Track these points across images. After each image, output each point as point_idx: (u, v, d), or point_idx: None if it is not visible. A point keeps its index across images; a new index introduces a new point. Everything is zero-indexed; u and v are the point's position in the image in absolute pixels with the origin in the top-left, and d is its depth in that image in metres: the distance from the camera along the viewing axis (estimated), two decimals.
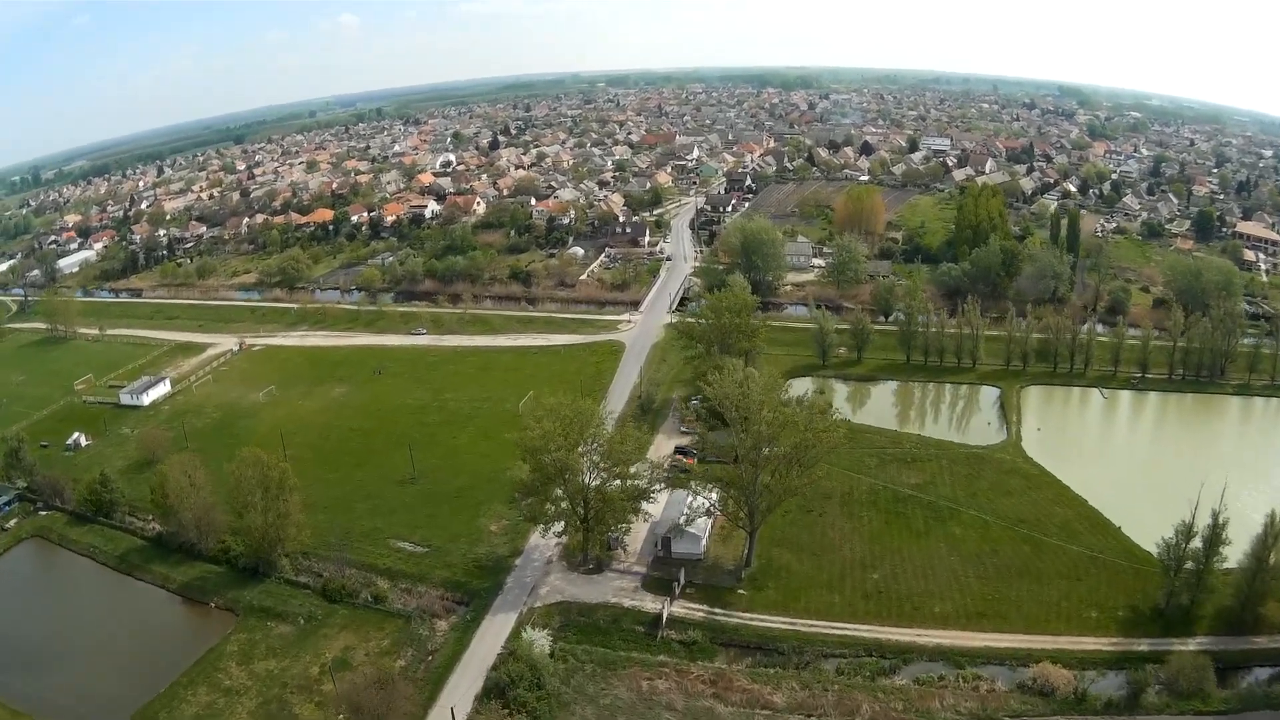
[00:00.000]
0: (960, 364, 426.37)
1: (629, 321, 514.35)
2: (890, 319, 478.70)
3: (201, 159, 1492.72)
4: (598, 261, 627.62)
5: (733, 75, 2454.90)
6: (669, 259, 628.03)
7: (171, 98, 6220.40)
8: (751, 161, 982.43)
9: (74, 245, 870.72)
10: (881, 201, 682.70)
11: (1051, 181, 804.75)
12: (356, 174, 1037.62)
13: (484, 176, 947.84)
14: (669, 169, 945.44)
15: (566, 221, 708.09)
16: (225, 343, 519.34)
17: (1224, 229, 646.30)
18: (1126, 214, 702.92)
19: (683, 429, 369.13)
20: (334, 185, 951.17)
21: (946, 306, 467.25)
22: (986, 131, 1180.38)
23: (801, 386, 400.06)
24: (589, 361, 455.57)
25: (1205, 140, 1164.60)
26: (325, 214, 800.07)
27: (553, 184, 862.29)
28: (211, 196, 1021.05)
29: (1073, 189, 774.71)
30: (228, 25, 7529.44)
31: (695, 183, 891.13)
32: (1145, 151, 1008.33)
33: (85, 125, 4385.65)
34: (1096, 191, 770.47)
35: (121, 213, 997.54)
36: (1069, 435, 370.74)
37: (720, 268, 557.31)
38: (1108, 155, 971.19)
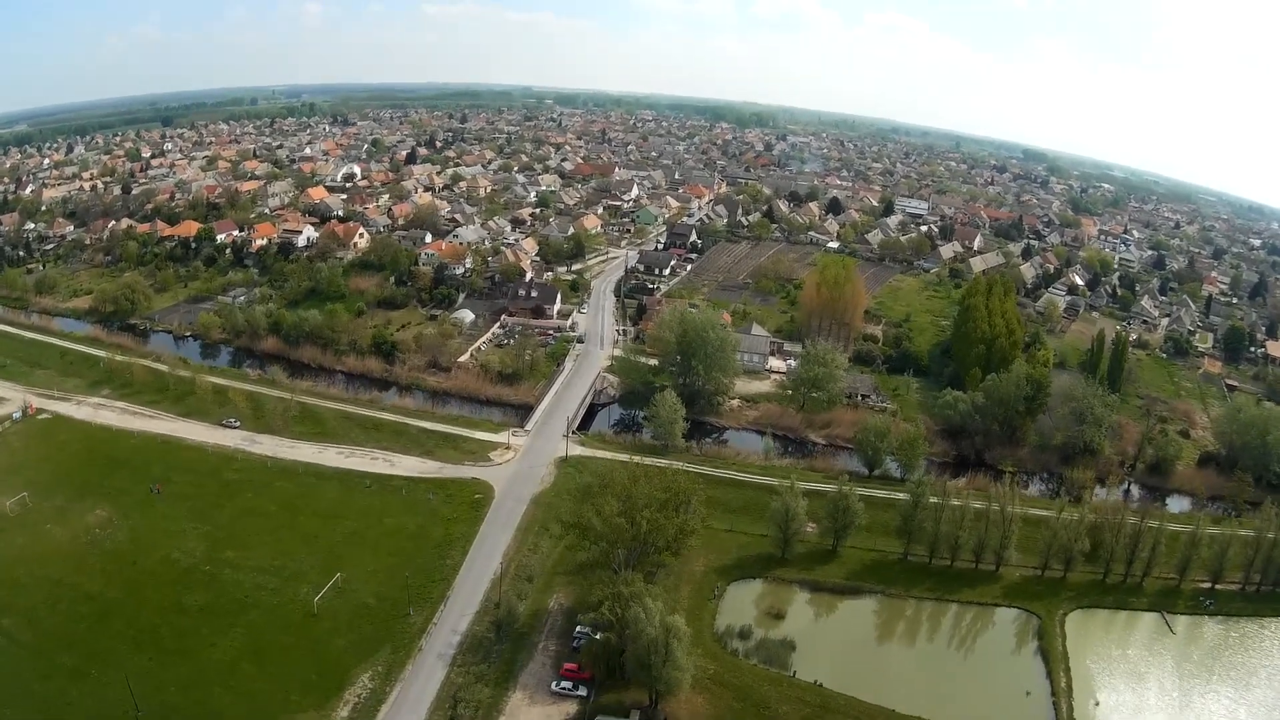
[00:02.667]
0: (978, 564, 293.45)
1: (508, 448, 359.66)
2: (875, 472, 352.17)
3: (118, 140, 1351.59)
4: (488, 334, 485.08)
5: (685, 106, 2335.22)
6: (581, 339, 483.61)
7: (130, 68, 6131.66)
8: (699, 209, 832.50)
9: None
10: (862, 285, 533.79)
11: (1053, 270, 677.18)
12: (248, 177, 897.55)
13: (384, 198, 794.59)
14: (601, 209, 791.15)
15: (460, 272, 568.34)
16: (11, 400, 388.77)
17: (1253, 348, 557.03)
18: (1145, 321, 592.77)
19: (558, 686, 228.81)
20: (217, 191, 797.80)
21: (950, 453, 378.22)
22: (962, 195, 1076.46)
23: (746, 596, 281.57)
24: (438, 516, 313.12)
25: (1187, 221, 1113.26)
26: (190, 228, 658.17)
27: (458, 216, 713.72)
28: (94, 188, 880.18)
29: (1079, 282, 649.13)
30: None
31: (630, 231, 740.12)
32: (1137, 234, 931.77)
33: (43, 88, 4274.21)
34: (1108, 289, 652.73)
35: (1, 195, 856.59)
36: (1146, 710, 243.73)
37: (646, 365, 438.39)
38: (1103, 239, 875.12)
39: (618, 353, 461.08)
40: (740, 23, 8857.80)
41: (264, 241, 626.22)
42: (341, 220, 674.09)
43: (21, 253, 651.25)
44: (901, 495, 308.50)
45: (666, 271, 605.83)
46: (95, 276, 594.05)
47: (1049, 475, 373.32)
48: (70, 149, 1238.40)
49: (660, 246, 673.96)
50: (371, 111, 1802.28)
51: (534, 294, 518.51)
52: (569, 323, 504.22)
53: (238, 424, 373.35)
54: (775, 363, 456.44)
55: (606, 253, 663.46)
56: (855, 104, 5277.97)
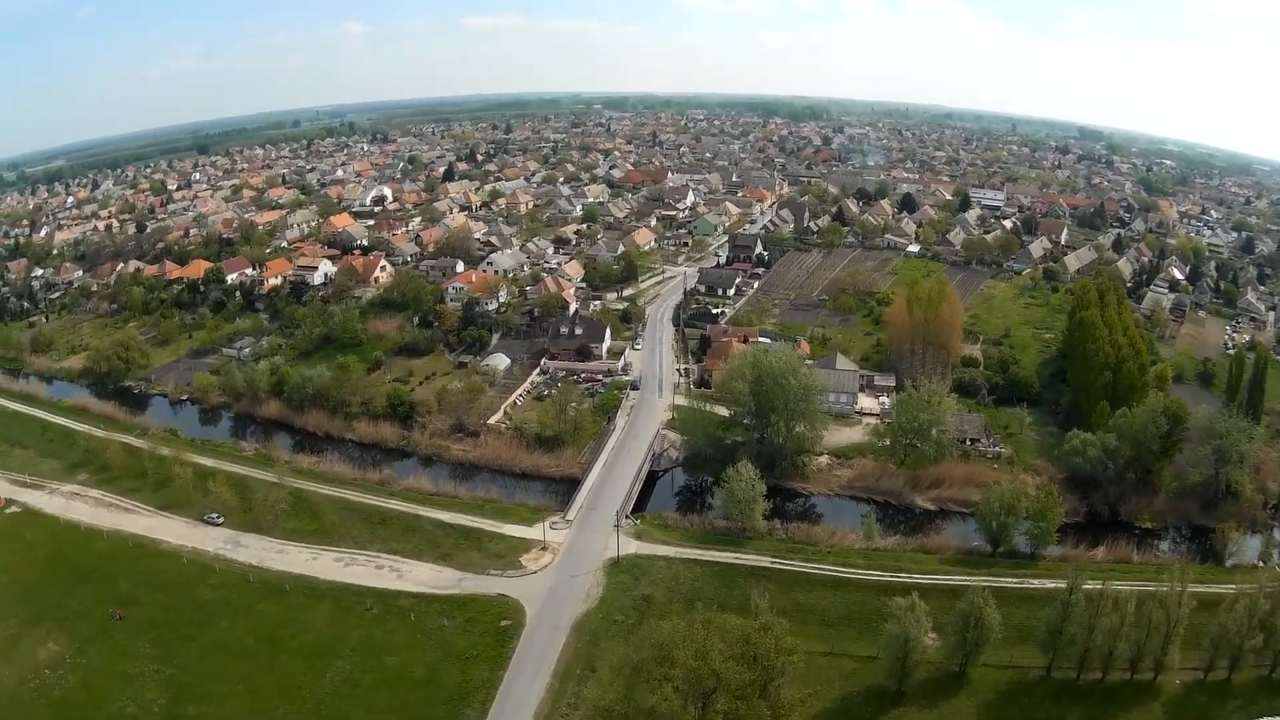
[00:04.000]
0: (1134, 675, 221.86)
1: (544, 547, 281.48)
2: (1000, 549, 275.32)
3: (148, 172, 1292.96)
4: (525, 385, 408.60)
5: (736, 103, 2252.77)
6: (635, 385, 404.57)
7: (173, 97, 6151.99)
8: (762, 214, 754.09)
9: None
10: (959, 301, 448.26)
11: (1149, 263, 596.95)
12: (272, 206, 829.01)
13: (415, 221, 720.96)
14: (654, 220, 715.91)
15: (494, 307, 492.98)
16: None
17: None
18: (1253, 318, 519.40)
19: None
20: (234, 224, 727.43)
21: (1080, 510, 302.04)
22: (1033, 181, 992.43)
23: None
24: (453, 652, 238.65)
25: (1255, 196, 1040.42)
26: (199, 268, 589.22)
27: (494, 239, 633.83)
28: (108, 228, 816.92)
29: (1179, 276, 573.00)
30: (234, 24, 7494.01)
31: (687, 245, 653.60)
32: (1215, 214, 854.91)
33: (83, 122, 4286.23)
34: (1210, 282, 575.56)
35: (14, 240, 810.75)
36: None
37: (713, 417, 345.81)
38: (1185, 222, 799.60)
39: (679, 400, 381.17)
40: (782, 17, 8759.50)
41: (277, 280, 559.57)
42: (365, 251, 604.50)
43: (26, 303, 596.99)
44: (1036, 582, 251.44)
45: (731, 292, 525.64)
46: (98, 329, 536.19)
47: (1188, 529, 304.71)
48: (96, 185, 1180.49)
49: (722, 262, 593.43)
50: (414, 127, 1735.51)
51: (578, 331, 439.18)
52: (620, 364, 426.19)
53: (220, 520, 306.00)
54: (866, 401, 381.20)
55: (662, 272, 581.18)
56: (905, 92, 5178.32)
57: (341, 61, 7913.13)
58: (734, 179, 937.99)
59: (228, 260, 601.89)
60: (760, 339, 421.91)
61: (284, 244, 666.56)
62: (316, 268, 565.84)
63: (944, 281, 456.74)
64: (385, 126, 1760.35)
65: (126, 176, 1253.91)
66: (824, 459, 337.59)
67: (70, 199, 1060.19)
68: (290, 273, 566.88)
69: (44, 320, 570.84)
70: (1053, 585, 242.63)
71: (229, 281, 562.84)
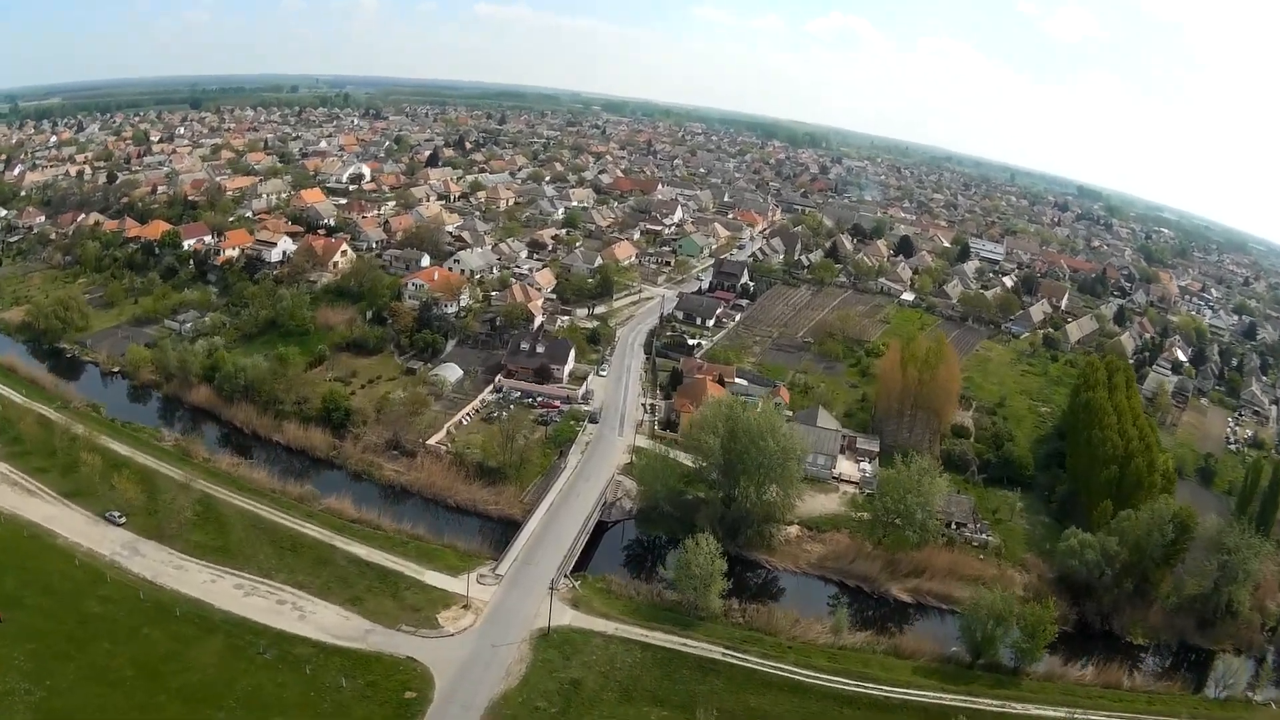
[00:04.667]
0: None
1: (466, 606, 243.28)
2: (980, 661, 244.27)
3: (137, 120, 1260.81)
4: (475, 403, 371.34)
5: (736, 120, 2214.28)
6: (595, 418, 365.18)
7: (179, 49, 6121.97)
8: (751, 240, 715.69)
9: None
10: (957, 365, 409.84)
11: (1151, 340, 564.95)
12: (247, 172, 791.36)
13: (389, 205, 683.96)
14: (638, 234, 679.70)
15: (453, 310, 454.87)
16: None
17: None
18: (1257, 411, 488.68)
19: None
20: (203, 186, 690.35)
21: (1069, 617, 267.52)
22: (1033, 236, 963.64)
23: None
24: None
25: (1253, 276, 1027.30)
26: (157, 229, 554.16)
27: (466, 235, 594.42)
28: (80, 174, 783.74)
29: (1182, 358, 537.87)
30: None
31: (669, 265, 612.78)
32: (1215, 293, 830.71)
33: (85, 62, 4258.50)
34: (1214, 368, 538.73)
35: None
36: None
37: (676, 466, 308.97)
38: (1185, 298, 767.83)
39: (641, 441, 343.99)
40: (794, 40, 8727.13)
41: (234, 253, 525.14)
42: (329, 232, 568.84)
43: None
44: (1019, 707, 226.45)
45: (711, 322, 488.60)
46: (47, 281, 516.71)
47: (1181, 648, 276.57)
48: (81, 127, 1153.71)
49: (705, 288, 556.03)
50: (408, 107, 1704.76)
51: (540, 348, 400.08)
52: (582, 390, 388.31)
53: (122, 520, 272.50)
54: (846, 466, 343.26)
55: (639, 291, 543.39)
56: (906, 129, 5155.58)
57: (349, 33, 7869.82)
58: (726, 199, 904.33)
59: (188, 225, 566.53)
60: (737, 379, 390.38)
61: (249, 214, 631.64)
62: (275, 244, 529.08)
63: (943, 341, 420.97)
64: (380, 103, 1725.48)
65: (114, 123, 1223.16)
66: (794, 529, 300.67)
67: (54, 139, 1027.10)
68: (248, 246, 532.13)
69: None
70: (1037, 712, 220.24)
71: (185, 248, 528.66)
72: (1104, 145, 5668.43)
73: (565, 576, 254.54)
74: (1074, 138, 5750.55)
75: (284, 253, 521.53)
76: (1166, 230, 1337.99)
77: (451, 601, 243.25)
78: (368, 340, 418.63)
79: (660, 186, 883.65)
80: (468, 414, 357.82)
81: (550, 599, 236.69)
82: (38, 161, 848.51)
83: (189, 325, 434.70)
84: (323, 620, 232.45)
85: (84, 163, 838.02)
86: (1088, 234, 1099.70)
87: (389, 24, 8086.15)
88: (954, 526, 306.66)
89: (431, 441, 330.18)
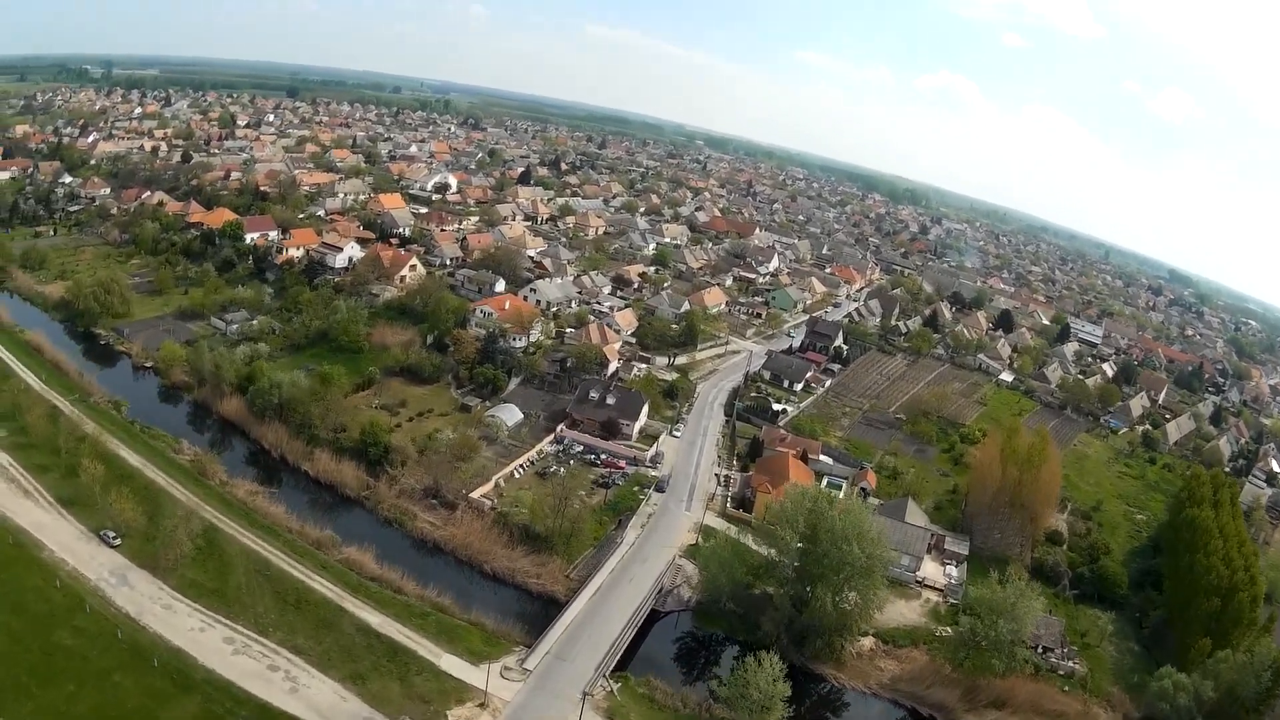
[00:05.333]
0: None
1: (483, 705, 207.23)
2: None
3: (229, 101, 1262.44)
4: (531, 453, 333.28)
5: (836, 169, 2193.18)
6: (661, 486, 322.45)
7: (283, 36, 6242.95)
8: (847, 298, 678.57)
9: None
10: (1059, 465, 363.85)
11: (1246, 445, 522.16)
12: (329, 168, 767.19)
13: (471, 220, 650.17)
14: (730, 278, 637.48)
15: (521, 344, 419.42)
16: None
17: None
18: None
19: None
20: (278, 178, 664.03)
21: None
22: (1129, 320, 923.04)
23: None
24: None
25: None
26: (220, 217, 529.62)
27: (547, 261, 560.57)
28: (155, 149, 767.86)
29: (1276, 469, 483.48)
30: None
31: (760, 317, 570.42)
32: None
33: (190, 38, 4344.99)
34: None
35: (59, 139, 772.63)
36: None
37: (745, 556, 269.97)
38: (1276, 399, 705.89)
39: (710, 519, 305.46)
40: (899, 95, 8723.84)
41: (297, 253, 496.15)
42: (402, 242, 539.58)
43: (41, 210, 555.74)
44: None
45: (799, 386, 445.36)
46: (98, 258, 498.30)
47: None
48: (169, 102, 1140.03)
49: (796, 347, 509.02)
50: (509, 120, 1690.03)
51: (611, 399, 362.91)
52: (651, 452, 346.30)
53: (117, 541, 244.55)
54: (930, 569, 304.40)
55: (726, 344, 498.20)
56: (1002, 194, 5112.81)
57: (458, 41, 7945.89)
58: (824, 250, 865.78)
59: (254, 216, 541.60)
60: (823, 456, 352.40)
61: (321, 212, 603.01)
62: (341, 249, 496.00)
63: (1046, 438, 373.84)
64: (480, 113, 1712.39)
65: (204, 101, 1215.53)
66: (868, 641, 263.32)
67: (138, 110, 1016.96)
68: (313, 247, 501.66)
69: (51, 233, 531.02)
70: None
71: (246, 241, 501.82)
72: (1194, 229, 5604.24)
73: (604, 677, 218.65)
74: (1167, 218, 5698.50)
75: (349, 259, 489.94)
76: (1254, 322, 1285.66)
77: (467, 696, 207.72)
78: (424, 368, 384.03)
79: (758, 231, 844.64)
80: (522, 465, 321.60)
81: (582, 707, 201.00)
82: (114, 132, 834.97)
83: (235, 326, 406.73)
84: (316, 697, 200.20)
85: (161, 138, 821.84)
86: (1180, 321, 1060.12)
87: (498, 36, 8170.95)
88: (1040, 651, 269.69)
89: (476, 494, 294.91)
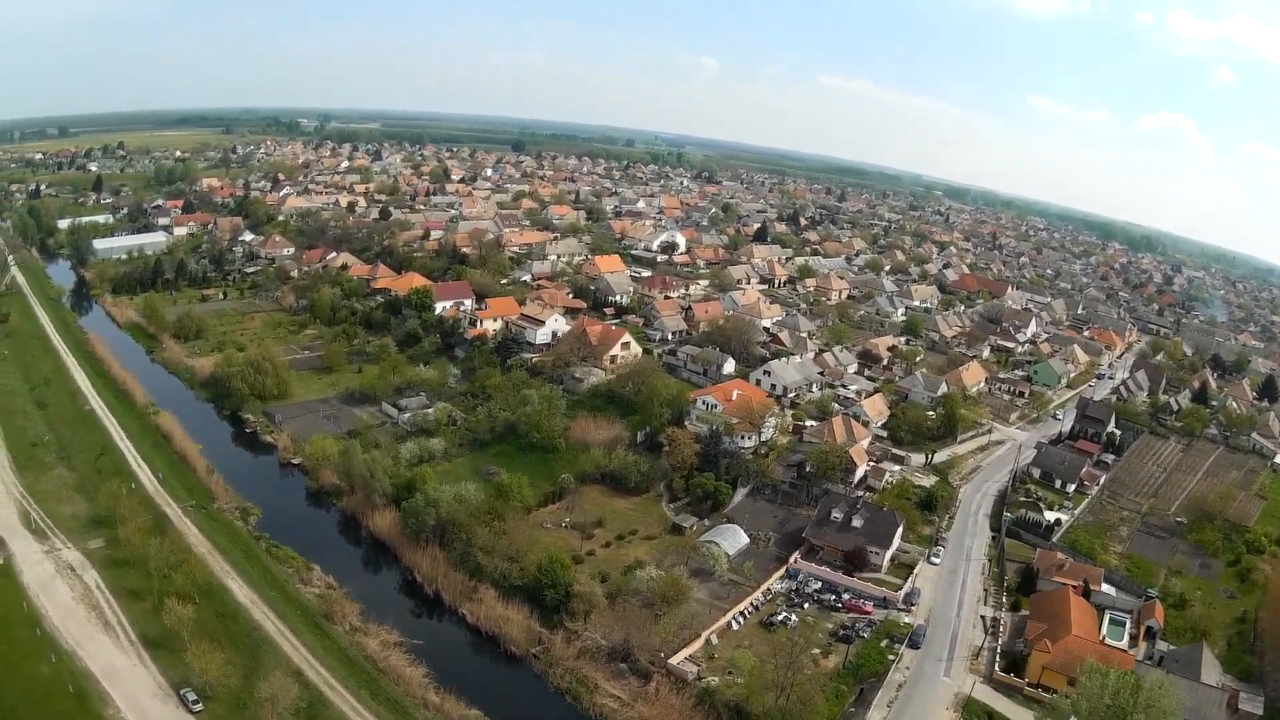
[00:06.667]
0: None
1: None
2: None
3: (448, 155, 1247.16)
4: (757, 593, 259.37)
5: (1073, 217, 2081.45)
6: (915, 642, 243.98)
7: (507, 91, 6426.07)
8: (1110, 367, 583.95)
9: (163, 221, 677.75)
10: None
11: None
12: (543, 226, 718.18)
13: (699, 285, 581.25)
14: (987, 348, 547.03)
15: (750, 444, 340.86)
16: None
17: None
18: None
19: None
20: (483, 238, 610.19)
21: None
22: None
23: None
24: None
25: None
26: (409, 283, 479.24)
27: (784, 336, 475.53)
28: (351, 205, 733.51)
29: None
30: (582, 30, 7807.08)
31: (1023, 396, 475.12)
32: None
33: (419, 94, 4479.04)
34: None
35: (246, 194, 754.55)
36: None
37: None
38: None
39: (976, 689, 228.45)
40: (1122, 137, 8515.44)
41: (494, 325, 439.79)
42: (619, 312, 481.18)
43: (212, 270, 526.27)
44: None
45: (1072, 486, 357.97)
46: (267, 326, 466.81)
47: None
48: (379, 155, 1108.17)
49: (1064, 433, 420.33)
50: (745, 172, 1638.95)
51: (857, 520, 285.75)
52: (906, 589, 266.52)
53: (198, 706, 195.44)
54: None
55: (989, 432, 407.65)
56: (1224, 235, 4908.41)
57: (689, 94, 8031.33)
58: (1079, 310, 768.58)
59: (446, 283, 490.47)
60: (1104, 585, 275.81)
61: (527, 277, 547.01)
62: (544, 322, 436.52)
63: None
64: (715, 166, 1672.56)
65: (422, 155, 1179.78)
66: None
67: (344, 164, 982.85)
68: (513, 319, 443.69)
69: (221, 296, 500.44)
70: None
71: (435, 310, 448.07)
72: None
73: None
74: None
75: (553, 334, 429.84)
76: None
77: None
78: (629, 475, 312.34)
79: (1010, 290, 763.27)
80: (743, 612, 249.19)
81: None
82: (311, 186, 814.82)
83: (408, 415, 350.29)
84: None
85: (361, 193, 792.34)
86: None
87: (730, 88, 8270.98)
88: None
89: (678, 658, 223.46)
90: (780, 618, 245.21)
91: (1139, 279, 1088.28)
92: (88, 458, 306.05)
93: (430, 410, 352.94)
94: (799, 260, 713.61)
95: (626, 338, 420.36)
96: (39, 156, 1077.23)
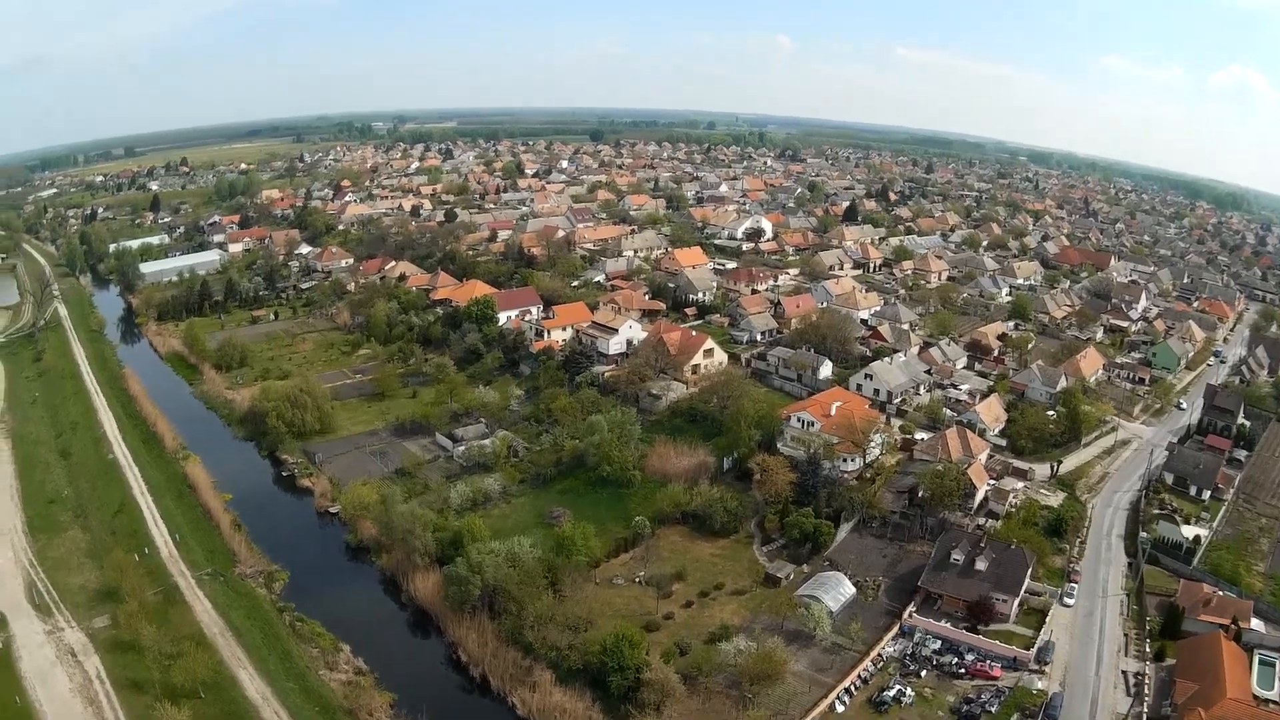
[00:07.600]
0: None
1: None
2: None
3: (523, 150, 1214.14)
4: (866, 661, 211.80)
5: (1157, 176, 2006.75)
6: (1051, 712, 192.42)
7: (585, 82, 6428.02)
8: (1225, 343, 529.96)
9: (218, 238, 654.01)
10: None
11: None
12: (619, 218, 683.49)
13: (788, 274, 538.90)
14: (1100, 329, 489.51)
15: (854, 469, 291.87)
16: None
17: None
18: None
19: None
20: (553, 236, 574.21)
21: None
22: None
23: None
24: None
25: None
26: (470, 291, 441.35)
27: (885, 329, 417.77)
28: (415, 209, 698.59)
29: None
30: (647, 17, 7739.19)
31: (1144, 383, 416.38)
32: None
33: (493, 91, 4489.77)
34: None
35: (306, 204, 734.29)
36: None
37: None
38: None
39: None
40: (1196, 94, 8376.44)
41: (563, 335, 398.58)
42: (700, 313, 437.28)
43: (265, 289, 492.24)
44: None
45: (1207, 493, 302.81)
46: (319, 349, 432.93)
47: None
48: (450, 154, 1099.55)
49: (1193, 425, 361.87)
50: (829, 149, 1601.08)
51: (981, 563, 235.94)
52: (1039, 644, 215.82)
53: None
54: None
55: (1114, 429, 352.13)
56: None
57: (769, 73, 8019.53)
58: (1184, 280, 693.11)
59: (511, 290, 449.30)
60: (1254, 622, 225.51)
61: (600, 277, 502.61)
62: (617, 330, 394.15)
63: None
64: (798, 144, 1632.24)
65: (496, 151, 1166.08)
66: None
67: (414, 165, 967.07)
68: (584, 327, 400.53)
69: (272, 317, 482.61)
70: None
71: (499, 321, 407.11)
72: None
73: None
74: None
75: (628, 342, 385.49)
76: None
77: None
78: (714, 514, 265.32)
79: (1113, 260, 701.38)
80: (849, 688, 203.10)
81: None
82: (376, 191, 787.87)
83: (462, 448, 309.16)
84: None
85: (428, 195, 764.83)
86: None
87: (807, 65, 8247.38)
88: None
89: None
90: (893, 693, 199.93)
91: (1234, 240, 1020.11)
92: (104, 516, 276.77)
93: (488, 441, 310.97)
94: (893, 240, 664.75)
95: (709, 343, 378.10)
96: (99, 179, 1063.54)
